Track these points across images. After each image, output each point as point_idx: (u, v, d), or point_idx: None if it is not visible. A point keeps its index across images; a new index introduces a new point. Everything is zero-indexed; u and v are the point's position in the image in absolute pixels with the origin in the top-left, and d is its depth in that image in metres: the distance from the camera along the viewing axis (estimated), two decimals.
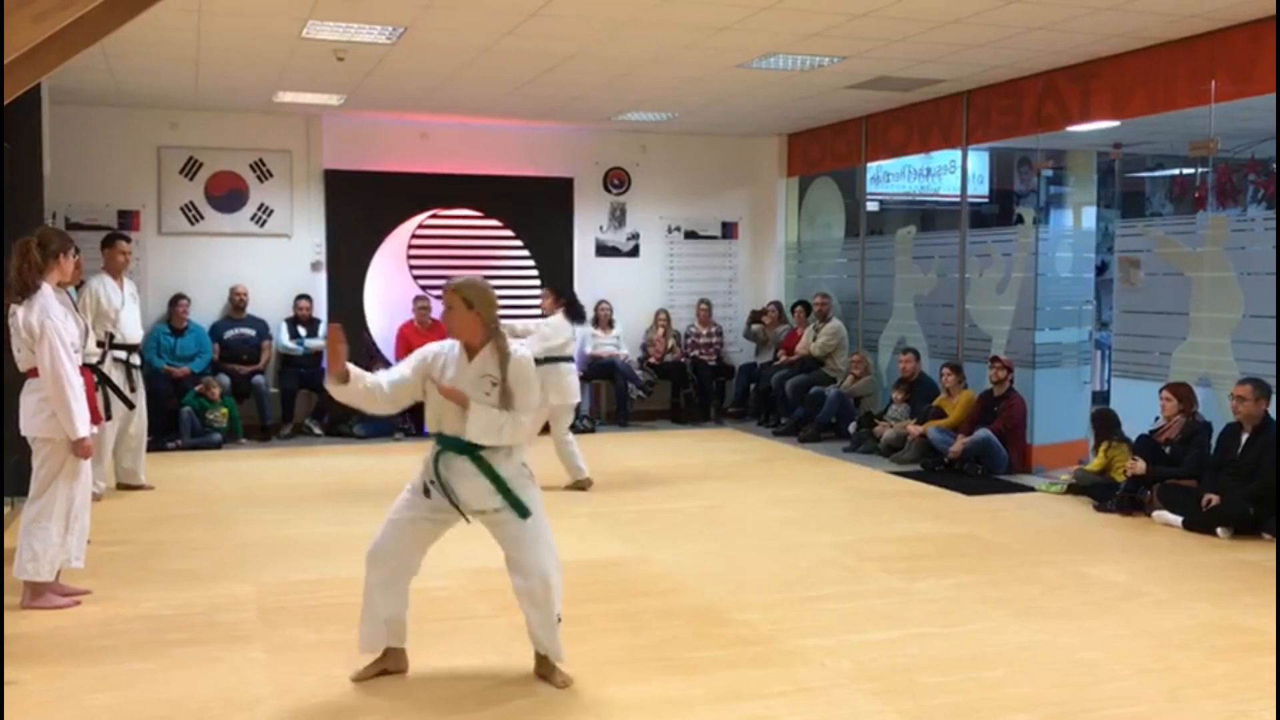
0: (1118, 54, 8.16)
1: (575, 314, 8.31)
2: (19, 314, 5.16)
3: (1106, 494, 7.60)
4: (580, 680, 4.31)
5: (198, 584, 5.63)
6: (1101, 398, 10.16)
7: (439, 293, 11.35)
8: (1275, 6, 7.05)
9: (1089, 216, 12.24)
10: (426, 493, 4.22)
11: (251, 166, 11.04)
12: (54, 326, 5.11)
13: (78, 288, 7.05)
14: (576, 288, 11.96)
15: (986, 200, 12.75)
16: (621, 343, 11.93)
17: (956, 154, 10.63)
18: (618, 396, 11.71)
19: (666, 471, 9.03)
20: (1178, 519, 7.04)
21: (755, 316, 12.32)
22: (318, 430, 10.84)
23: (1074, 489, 8.06)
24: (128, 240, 8.10)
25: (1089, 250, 10.42)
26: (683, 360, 12.09)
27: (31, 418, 5.21)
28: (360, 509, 7.52)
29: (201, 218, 10.93)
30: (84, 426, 5.17)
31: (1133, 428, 7.88)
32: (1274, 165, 11.36)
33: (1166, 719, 4.00)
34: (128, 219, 10.64)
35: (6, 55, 4.64)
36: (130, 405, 7.63)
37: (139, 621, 5.03)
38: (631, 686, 4.25)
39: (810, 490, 8.32)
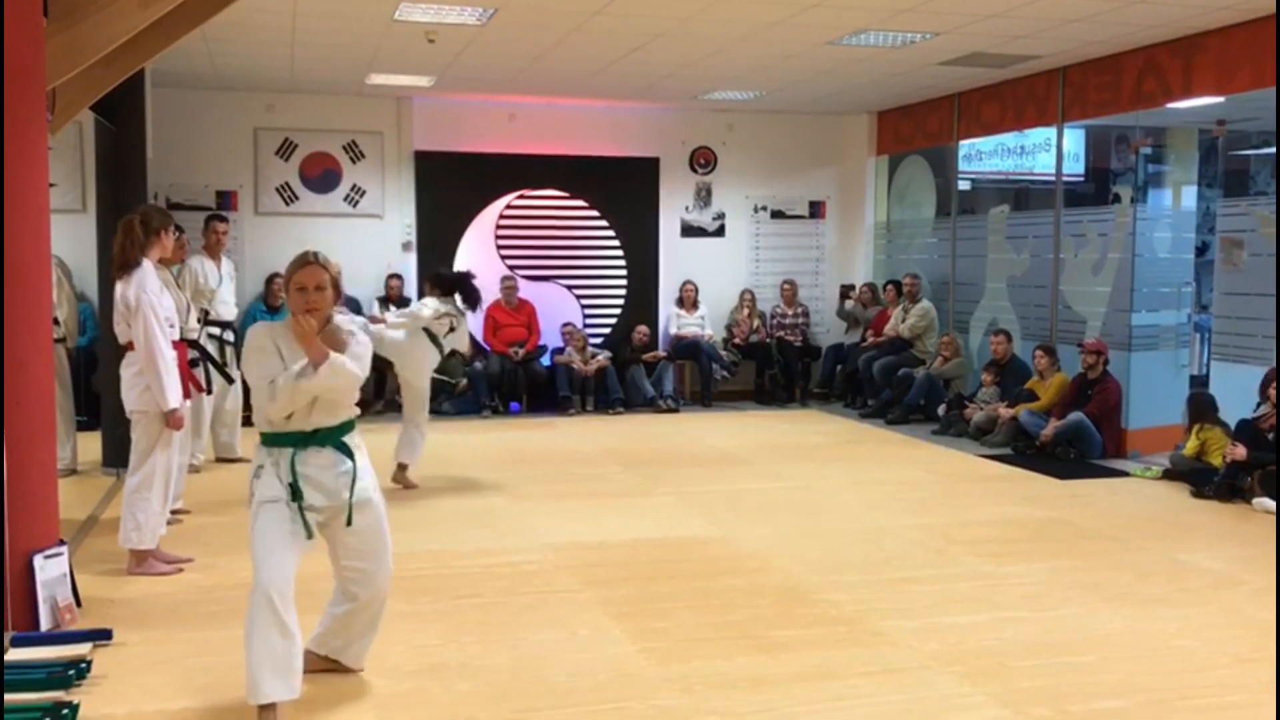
0: (1222, 27, 7.90)
1: (445, 289, 7.50)
2: (118, 289, 5.36)
3: (1204, 480, 7.41)
4: (667, 656, 4.35)
5: None
6: (1200, 381, 9.90)
7: (526, 273, 11.57)
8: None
9: (1189, 196, 11.87)
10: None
11: (344, 148, 11.23)
12: (148, 301, 5.28)
13: (179, 266, 7.27)
14: (661, 267, 12.07)
15: (1082, 179, 12.45)
16: (706, 323, 11.93)
17: (1051, 132, 10.39)
18: (702, 377, 11.72)
19: (751, 452, 9.02)
20: None
21: (845, 292, 12.22)
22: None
23: (1170, 474, 7.87)
24: (223, 220, 8.33)
25: (1189, 230, 10.13)
26: (768, 341, 12.05)
27: (129, 391, 5.42)
28: (448, 484, 7.67)
29: (296, 198, 11.16)
30: (175, 398, 5.34)
31: (1234, 412, 7.66)
32: None
33: (1265, 710, 3.90)
34: (226, 199, 10.92)
35: (116, 40, 4.80)
36: (229, 379, 7.86)
37: (239, 589, 5.15)
38: (717, 663, 4.28)
39: (897, 472, 8.25)
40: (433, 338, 7.41)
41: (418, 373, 7.54)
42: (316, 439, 3.81)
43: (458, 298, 7.52)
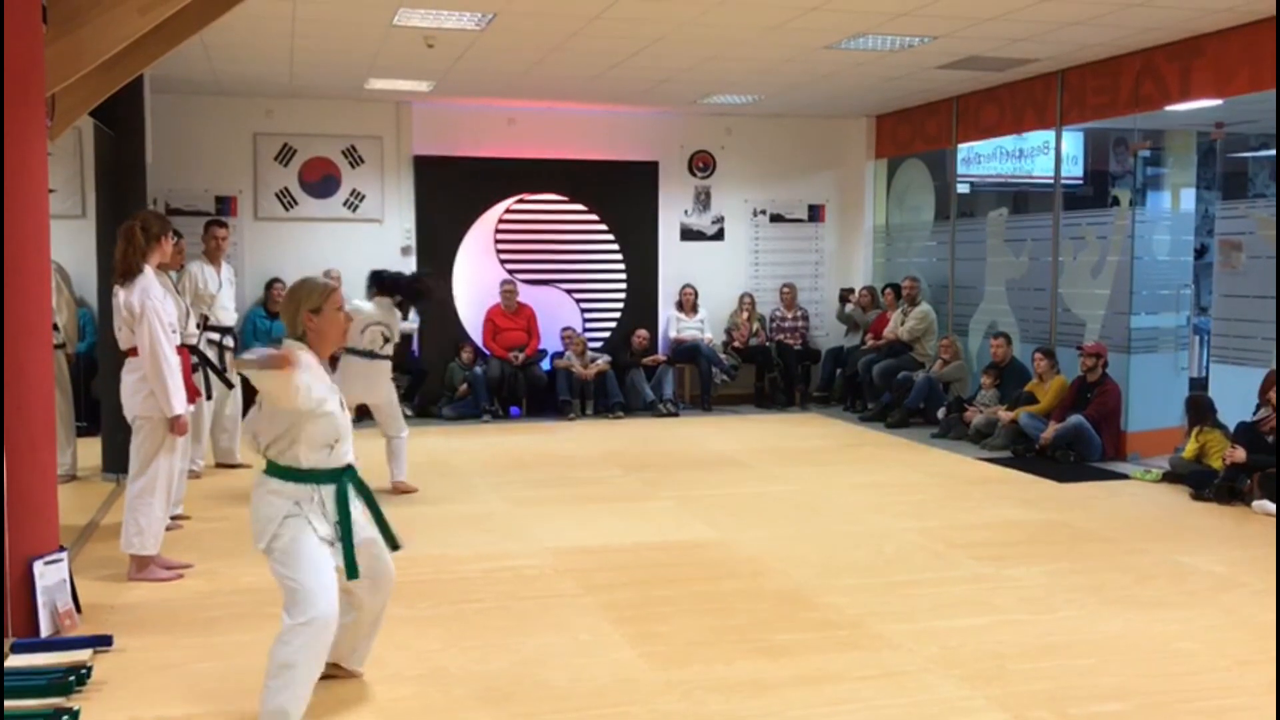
0: (1220, 30, 7.92)
1: (385, 291, 7.27)
2: (120, 295, 5.37)
3: (1204, 482, 7.40)
4: (667, 660, 4.35)
5: None
6: (1199, 384, 9.90)
7: (525, 277, 11.57)
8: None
9: (1188, 198, 11.89)
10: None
11: (344, 153, 11.24)
12: (153, 307, 5.30)
13: (178, 271, 7.27)
14: (661, 271, 12.06)
15: (1081, 182, 12.46)
16: (706, 327, 11.93)
17: (1050, 135, 10.41)
18: (701, 380, 11.71)
19: (751, 455, 9.02)
20: None
21: (844, 295, 12.23)
22: (408, 411, 10.95)
23: (1170, 477, 7.87)
24: (223, 225, 8.33)
25: (1187, 233, 10.14)
26: (767, 344, 12.05)
27: (131, 397, 5.41)
28: (448, 489, 7.67)
29: (295, 203, 11.17)
30: (180, 404, 5.36)
31: (1233, 415, 7.66)
32: None
33: (1265, 712, 3.90)
34: (225, 204, 10.92)
35: (115, 46, 4.81)
36: (229, 384, 7.86)
37: (240, 594, 5.19)
38: (717, 667, 4.28)
39: (897, 476, 8.25)
40: (368, 353, 7.16)
41: (375, 394, 7.32)
42: (348, 474, 3.78)
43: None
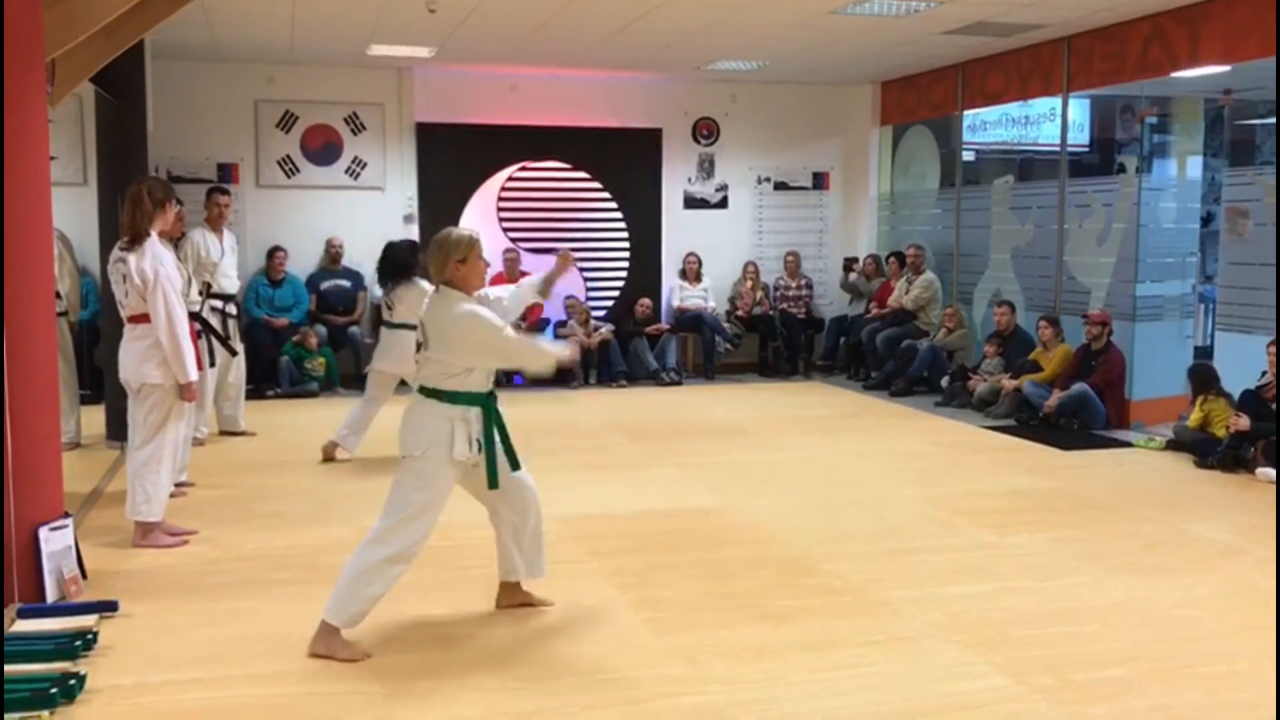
0: None
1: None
2: (130, 261, 5.32)
3: (1207, 450, 7.40)
4: (670, 625, 4.37)
5: (299, 526, 5.81)
6: (1204, 352, 9.88)
7: (528, 245, 11.53)
8: None
9: (1194, 166, 11.81)
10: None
11: (346, 120, 11.19)
12: (166, 274, 5.28)
13: (178, 240, 7.23)
14: (664, 240, 12.02)
15: (1087, 149, 12.38)
16: (709, 295, 11.91)
17: (1056, 102, 10.33)
18: (704, 349, 11.71)
19: (754, 424, 9.02)
20: None
21: (848, 264, 12.19)
22: (410, 380, 11.00)
23: (1173, 445, 7.87)
24: (225, 193, 8.28)
25: (1194, 200, 10.08)
26: (771, 313, 12.03)
27: (140, 365, 5.37)
28: None
29: (297, 170, 11.13)
30: (194, 370, 5.37)
31: (1238, 383, 7.65)
32: None
33: (1267, 678, 3.91)
34: (227, 172, 10.88)
35: (115, 10, 4.77)
36: (233, 351, 7.86)
37: (244, 561, 5.21)
38: (720, 632, 4.29)
39: (901, 444, 8.25)
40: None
41: (408, 365, 7.37)
42: (491, 398, 4.19)
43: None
